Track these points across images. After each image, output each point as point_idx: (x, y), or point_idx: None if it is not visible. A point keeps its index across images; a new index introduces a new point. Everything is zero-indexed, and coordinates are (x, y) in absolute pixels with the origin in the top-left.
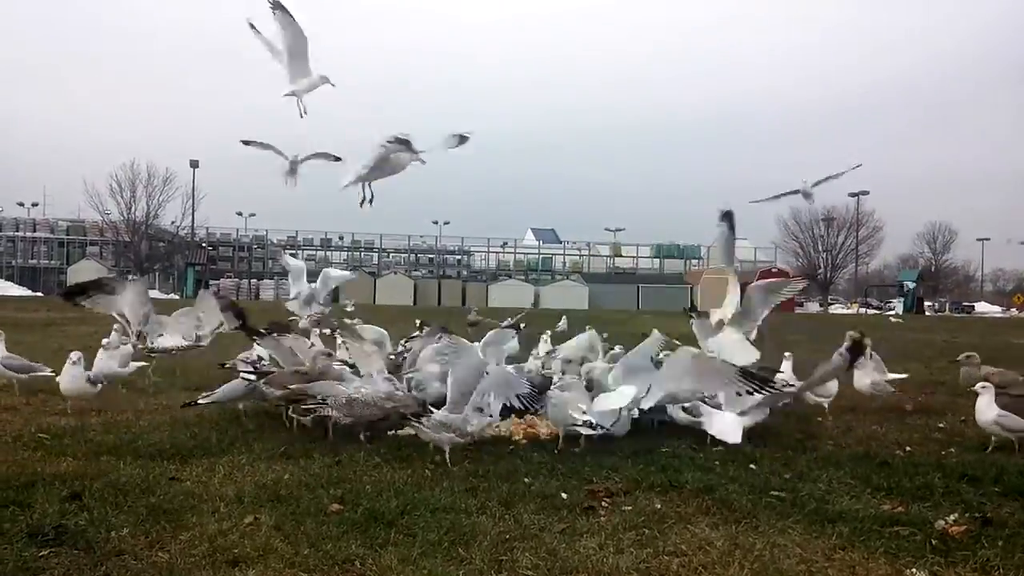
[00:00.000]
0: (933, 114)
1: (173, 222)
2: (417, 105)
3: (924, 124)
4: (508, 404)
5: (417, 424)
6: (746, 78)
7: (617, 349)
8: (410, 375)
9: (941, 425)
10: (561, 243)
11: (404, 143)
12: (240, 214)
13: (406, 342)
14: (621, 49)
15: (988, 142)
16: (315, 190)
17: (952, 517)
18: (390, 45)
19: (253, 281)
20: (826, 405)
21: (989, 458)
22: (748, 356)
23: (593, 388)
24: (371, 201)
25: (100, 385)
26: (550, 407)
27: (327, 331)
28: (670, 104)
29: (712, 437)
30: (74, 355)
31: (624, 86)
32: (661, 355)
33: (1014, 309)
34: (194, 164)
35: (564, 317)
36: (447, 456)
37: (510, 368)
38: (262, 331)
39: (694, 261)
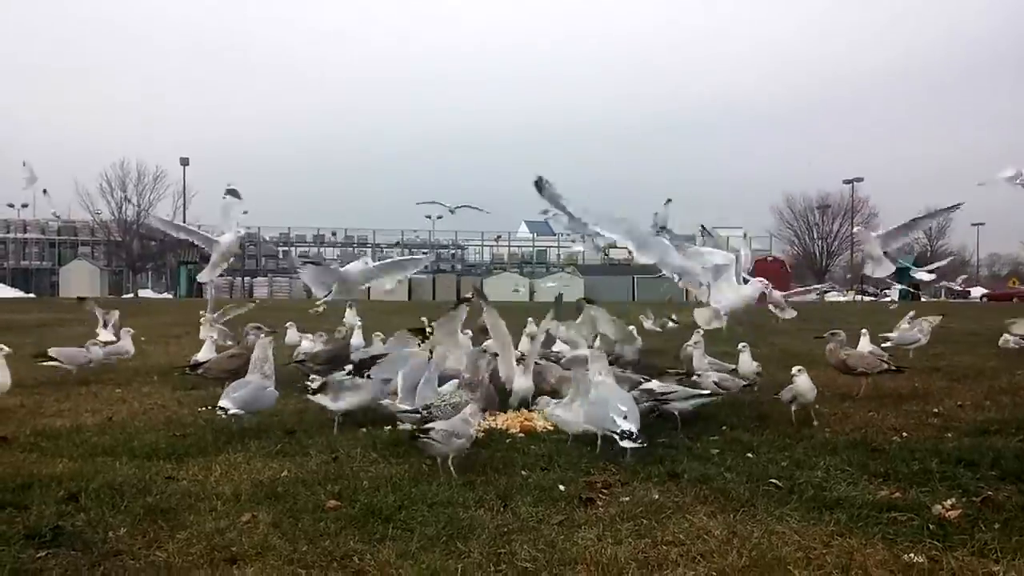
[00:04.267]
0: (929, 100)
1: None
2: (407, 101)
3: (919, 110)
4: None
5: (428, 440)
6: (738, 67)
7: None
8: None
9: (937, 410)
10: (555, 235)
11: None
12: None
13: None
14: (616, 41)
15: (985, 127)
16: (305, 188)
17: (949, 502)
18: (378, 40)
19: (247, 279)
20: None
21: (986, 442)
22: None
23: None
24: None
25: None
26: (588, 406)
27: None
28: (662, 96)
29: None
30: None
31: (618, 78)
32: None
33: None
34: (184, 162)
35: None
36: (451, 466)
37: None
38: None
39: None
